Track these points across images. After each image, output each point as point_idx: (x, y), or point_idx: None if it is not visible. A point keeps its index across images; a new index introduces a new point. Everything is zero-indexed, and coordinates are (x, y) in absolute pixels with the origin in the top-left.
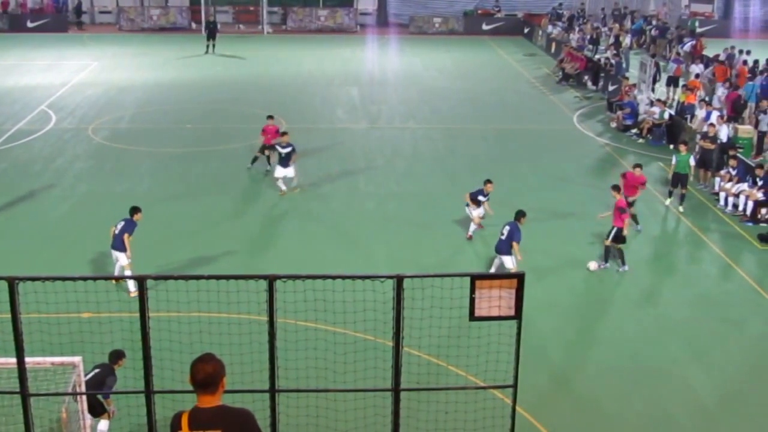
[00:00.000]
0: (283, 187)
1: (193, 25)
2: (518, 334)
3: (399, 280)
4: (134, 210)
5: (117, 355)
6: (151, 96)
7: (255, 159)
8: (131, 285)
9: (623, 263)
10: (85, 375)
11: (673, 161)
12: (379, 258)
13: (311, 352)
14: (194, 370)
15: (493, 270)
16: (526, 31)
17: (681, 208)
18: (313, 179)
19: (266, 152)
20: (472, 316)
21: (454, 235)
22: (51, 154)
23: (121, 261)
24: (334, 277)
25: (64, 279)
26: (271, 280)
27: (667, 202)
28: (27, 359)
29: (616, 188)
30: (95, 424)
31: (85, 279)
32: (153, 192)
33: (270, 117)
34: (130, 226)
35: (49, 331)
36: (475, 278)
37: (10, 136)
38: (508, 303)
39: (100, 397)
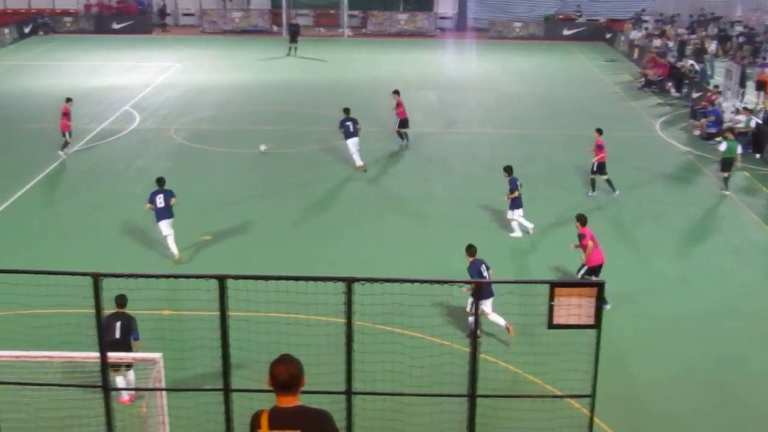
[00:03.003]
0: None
1: (274, 28)
2: (597, 343)
3: (477, 286)
4: (164, 180)
5: (125, 298)
6: (231, 98)
7: (400, 135)
8: (174, 247)
9: (614, 189)
10: (105, 329)
11: (722, 147)
12: (454, 263)
13: (387, 356)
14: (277, 371)
15: (516, 231)
16: (607, 36)
17: (728, 192)
18: (390, 183)
19: (401, 129)
20: (551, 324)
21: (531, 243)
22: (134, 153)
23: (166, 230)
24: (412, 281)
25: (147, 276)
26: (349, 282)
27: (727, 192)
28: (109, 354)
29: (599, 131)
30: (126, 377)
31: (167, 277)
32: (231, 192)
33: (396, 92)
34: (171, 193)
35: None
36: (554, 286)
37: (95, 135)
38: (587, 311)
39: (132, 344)
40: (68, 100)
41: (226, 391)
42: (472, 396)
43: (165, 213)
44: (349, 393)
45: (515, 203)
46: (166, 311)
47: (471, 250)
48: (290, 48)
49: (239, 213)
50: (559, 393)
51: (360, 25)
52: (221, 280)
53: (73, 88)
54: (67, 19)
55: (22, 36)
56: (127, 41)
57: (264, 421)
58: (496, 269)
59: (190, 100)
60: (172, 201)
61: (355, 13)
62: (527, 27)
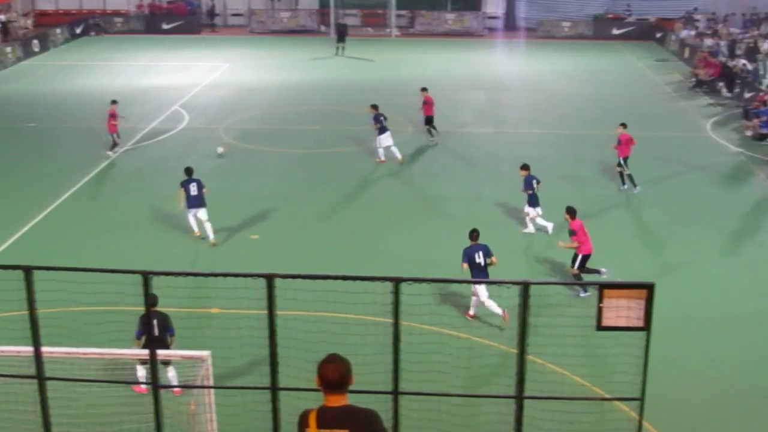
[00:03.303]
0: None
1: (322, 28)
2: (647, 345)
3: (525, 286)
4: (192, 169)
5: (155, 297)
6: (279, 97)
7: (429, 131)
8: (212, 233)
9: (624, 184)
10: (143, 329)
11: None
12: (500, 264)
13: (434, 356)
14: (326, 370)
15: (529, 226)
16: (657, 35)
17: None
18: (437, 183)
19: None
20: (599, 326)
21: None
22: (183, 152)
23: (202, 215)
24: (460, 282)
25: (195, 275)
26: (396, 282)
27: None
28: (158, 352)
29: (623, 125)
30: (166, 373)
31: (216, 275)
32: (278, 191)
33: (424, 89)
34: (202, 183)
35: (180, 325)
36: (603, 287)
37: (145, 134)
38: (637, 314)
39: (169, 340)
40: (113, 102)
41: (274, 389)
42: (519, 397)
43: (198, 201)
44: (396, 393)
45: (532, 201)
46: (214, 309)
47: (473, 234)
48: (338, 48)
49: (286, 211)
50: (607, 395)
51: (407, 25)
52: (269, 279)
53: (123, 87)
54: (118, 19)
55: (74, 36)
56: (177, 41)
57: (312, 420)
58: (534, 270)
59: (239, 99)
60: (204, 191)
61: (403, 12)
62: (576, 26)
